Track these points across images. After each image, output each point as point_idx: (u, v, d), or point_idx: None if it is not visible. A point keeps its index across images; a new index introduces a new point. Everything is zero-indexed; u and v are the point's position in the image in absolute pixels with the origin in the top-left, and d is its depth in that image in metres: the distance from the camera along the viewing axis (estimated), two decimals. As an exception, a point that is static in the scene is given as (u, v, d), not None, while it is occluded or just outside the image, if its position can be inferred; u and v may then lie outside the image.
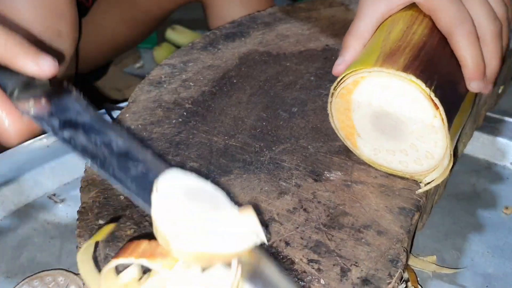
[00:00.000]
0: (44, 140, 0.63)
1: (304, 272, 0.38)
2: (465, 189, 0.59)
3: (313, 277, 0.38)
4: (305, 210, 0.43)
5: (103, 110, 0.67)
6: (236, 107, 0.55)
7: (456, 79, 0.45)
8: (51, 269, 0.49)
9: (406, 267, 0.45)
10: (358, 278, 0.38)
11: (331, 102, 0.45)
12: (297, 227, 0.42)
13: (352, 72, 0.42)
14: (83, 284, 0.39)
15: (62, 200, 0.57)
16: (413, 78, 0.40)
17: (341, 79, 0.43)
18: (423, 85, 0.40)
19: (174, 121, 0.53)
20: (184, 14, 0.98)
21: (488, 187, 0.59)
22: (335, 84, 0.44)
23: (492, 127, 0.65)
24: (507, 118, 0.67)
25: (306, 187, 0.45)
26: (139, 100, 0.56)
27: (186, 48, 0.64)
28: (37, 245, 0.53)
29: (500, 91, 0.65)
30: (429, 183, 0.44)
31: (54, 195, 0.58)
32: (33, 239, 0.53)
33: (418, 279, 0.49)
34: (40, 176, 0.59)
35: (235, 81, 0.58)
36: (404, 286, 0.41)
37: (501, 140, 0.63)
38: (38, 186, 0.59)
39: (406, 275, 0.47)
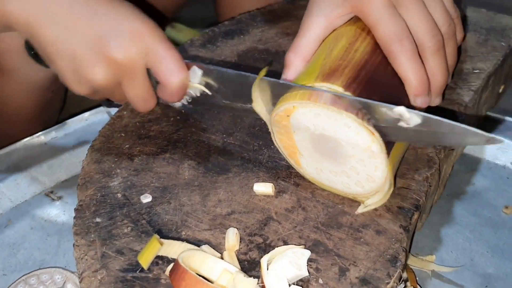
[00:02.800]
0: (42, 137, 0.63)
1: (302, 271, 0.37)
2: (465, 188, 0.59)
3: (311, 276, 0.38)
4: (303, 209, 0.43)
5: (100, 108, 0.67)
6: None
7: (399, 97, 0.43)
8: (48, 267, 0.49)
9: (405, 266, 0.44)
10: (356, 277, 0.37)
11: (271, 125, 0.43)
12: (296, 226, 0.41)
13: (285, 102, 0.40)
14: (80, 282, 0.39)
15: (59, 198, 0.57)
16: (342, 111, 0.38)
17: (279, 104, 0.41)
18: (353, 117, 0.38)
19: (172, 118, 0.53)
20: (184, 12, 0.97)
21: (488, 187, 0.59)
22: (273, 111, 0.42)
23: (492, 126, 0.64)
24: (507, 118, 0.66)
25: (305, 186, 0.45)
26: (137, 97, 0.56)
27: (185, 45, 0.64)
28: (34, 242, 0.52)
29: (500, 90, 0.65)
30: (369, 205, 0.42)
31: (51, 192, 0.58)
32: (30, 236, 0.53)
33: (417, 278, 0.49)
34: (37, 173, 0.59)
35: (234, 78, 0.58)
36: (403, 286, 0.41)
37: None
38: (35, 183, 0.58)
39: (405, 275, 0.47)
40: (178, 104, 0.51)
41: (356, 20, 0.46)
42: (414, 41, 0.44)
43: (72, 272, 0.48)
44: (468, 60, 0.59)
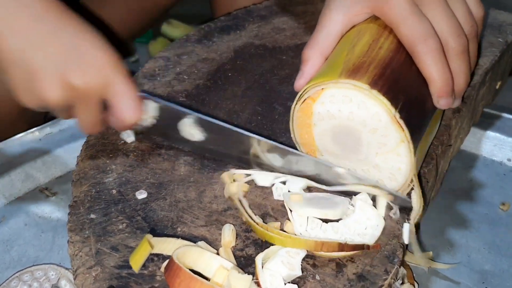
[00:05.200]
0: (36, 133, 0.62)
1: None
2: (462, 185, 0.59)
3: (308, 272, 0.37)
4: (300, 205, 0.43)
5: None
6: (231, 100, 0.54)
7: (423, 98, 0.42)
8: (42, 264, 0.48)
9: (403, 263, 0.44)
10: (354, 274, 0.37)
11: (292, 118, 0.43)
12: (292, 222, 0.41)
13: (314, 84, 0.40)
14: (74, 278, 0.39)
15: (54, 194, 0.57)
16: (379, 95, 0.37)
17: (303, 92, 0.41)
18: (388, 104, 0.37)
19: (168, 114, 0.52)
20: (180, 8, 0.96)
21: (484, 183, 0.59)
22: (296, 99, 0.42)
23: (489, 123, 0.64)
24: (504, 114, 0.66)
25: (302, 182, 0.45)
26: (132, 93, 0.55)
27: (180, 41, 0.63)
28: (28, 239, 0.52)
29: (497, 87, 0.65)
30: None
31: (46, 188, 0.57)
32: (24, 233, 0.53)
33: (414, 275, 0.49)
34: (31, 169, 0.58)
35: (230, 74, 0.58)
36: (400, 282, 0.41)
37: (498, 136, 0.63)
38: (29, 180, 0.58)
39: (402, 271, 0.47)
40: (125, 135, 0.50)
41: (375, 18, 0.44)
42: (440, 41, 0.42)
43: (67, 269, 0.47)
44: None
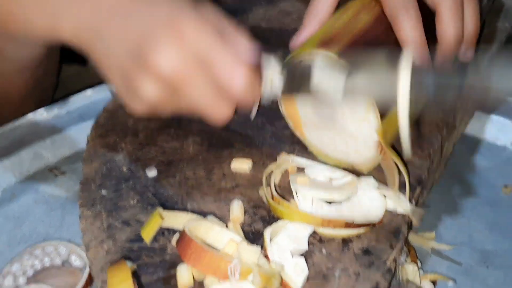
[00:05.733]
0: (45, 114, 0.63)
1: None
2: (465, 168, 0.59)
3: (315, 247, 0.38)
4: (307, 183, 0.43)
5: (103, 85, 0.67)
6: (238, 82, 0.55)
7: None
8: (53, 240, 0.49)
9: (406, 242, 0.45)
10: (359, 249, 0.38)
11: None
12: (299, 200, 0.42)
13: (292, 55, 0.41)
14: (86, 252, 0.39)
15: (63, 173, 0.57)
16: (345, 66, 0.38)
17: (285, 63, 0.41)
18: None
19: (176, 94, 0.53)
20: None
21: (488, 167, 0.60)
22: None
23: (493, 107, 0.65)
24: (509, 98, 0.67)
25: (308, 161, 0.45)
26: (141, 73, 0.56)
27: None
28: (38, 216, 0.53)
29: (501, 71, 0.65)
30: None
31: (55, 168, 0.58)
32: (34, 210, 0.53)
33: (417, 255, 0.50)
34: (40, 148, 0.59)
35: (237, 56, 0.58)
36: (405, 258, 0.41)
37: (502, 120, 0.63)
38: (38, 159, 0.59)
39: (405, 250, 0.48)
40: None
41: None
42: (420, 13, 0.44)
43: (77, 245, 0.48)
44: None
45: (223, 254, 0.34)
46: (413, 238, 0.50)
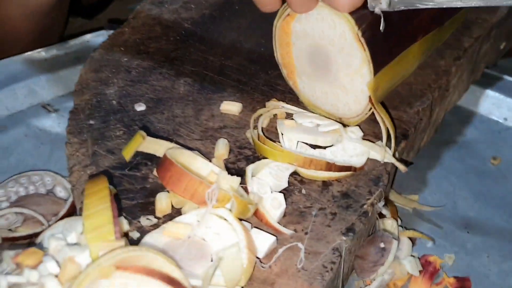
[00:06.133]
0: (43, 53, 0.63)
1: (288, 182, 0.38)
2: (456, 138, 0.59)
3: (295, 187, 0.38)
4: (294, 129, 0.44)
5: (102, 31, 0.67)
6: (235, 31, 0.55)
7: (397, 24, 0.41)
8: (39, 170, 0.50)
9: (388, 189, 0.45)
10: (338, 191, 0.38)
11: (275, 36, 0.44)
12: (285, 144, 0.42)
13: None
14: (70, 175, 0.40)
15: (56, 110, 0.58)
16: (347, 14, 0.38)
17: (283, 9, 0.41)
18: (353, 22, 0.38)
19: (171, 38, 0.53)
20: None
21: (479, 138, 0.60)
22: (277, 16, 0.42)
23: (490, 82, 0.65)
24: (506, 76, 0.66)
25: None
26: (139, 16, 0.56)
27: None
28: (27, 148, 0.53)
29: (502, 47, 0.65)
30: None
31: (48, 104, 0.58)
32: (23, 143, 0.54)
33: (399, 214, 0.50)
34: (35, 85, 0.59)
35: (237, 7, 0.58)
36: (383, 203, 0.41)
37: (497, 96, 0.63)
38: (32, 95, 0.59)
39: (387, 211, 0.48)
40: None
41: None
42: None
43: (63, 177, 0.49)
44: (474, 10, 0.59)
45: (202, 179, 0.34)
46: (396, 198, 0.50)
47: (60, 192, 0.48)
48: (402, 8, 0.37)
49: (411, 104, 0.46)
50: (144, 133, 0.38)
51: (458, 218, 0.51)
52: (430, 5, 0.36)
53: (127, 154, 0.37)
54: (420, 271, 0.44)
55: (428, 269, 0.45)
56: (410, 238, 0.47)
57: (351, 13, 0.37)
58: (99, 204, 0.29)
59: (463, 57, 0.53)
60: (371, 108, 0.40)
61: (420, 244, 0.48)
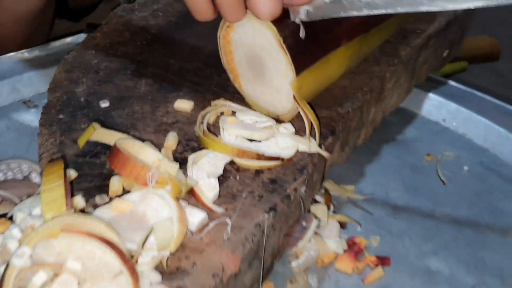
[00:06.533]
0: (26, 54, 0.70)
1: (224, 169, 0.45)
2: (396, 136, 0.66)
3: (231, 174, 0.45)
4: (238, 125, 0.50)
5: (81, 34, 0.73)
6: (196, 37, 0.61)
7: (318, 30, 0.47)
8: (18, 158, 0.56)
9: (318, 179, 0.51)
10: (268, 178, 0.45)
11: (219, 44, 0.50)
12: (228, 138, 0.49)
13: None
14: (39, 161, 0.46)
15: (35, 106, 0.64)
16: (270, 23, 0.44)
17: (224, 21, 0.47)
18: (275, 30, 0.44)
19: (138, 43, 0.59)
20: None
21: (417, 137, 0.66)
22: (219, 27, 0.48)
23: (433, 86, 0.71)
24: (450, 81, 0.73)
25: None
26: (111, 22, 0.62)
27: (163, -16, 0.70)
28: (8, 139, 0.60)
29: (445, 54, 0.71)
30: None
31: (29, 101, 0.65)
32: (5, 134, 0.60)
33: (335, 203, 0.56)
34: (17, 83, 0.66)
35: (200, 16, 0.64)
36: (304, 189, 0.48)
37: (438, 99, 0.70)
38: (15, 92, 0.65)
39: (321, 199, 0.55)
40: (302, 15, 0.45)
41: None
42: None
43: (38, 165, 0.55)
44: (415, 21, 0.66)
45: (144, 164, 0.41)
46: (333, 188, 0.57)
47: (35, 178, 0.54)
48: (319, 18, 0.44)
49: (343, 105, 0.53)
50: (97, 125, 0.45)
51: (388, 206, 0.57)
52: (342, 15, 0.43)
53: (81, 142, 0.44)
54: (345, 251, 0.50)
55: (354, 249, 0.51)
56: (340, 223, 0.53)
57: (276, 23, 0.44)
58: (54, 181, 0.36)
59: (398, 64, 0.59)
60: (297, 107, 0.47)
61: (351, 228, 0.54)
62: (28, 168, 0.55)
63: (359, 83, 0.56)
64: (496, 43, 1.46)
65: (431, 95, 0.70)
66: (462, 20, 0.70)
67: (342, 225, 0.54)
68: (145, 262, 0.36)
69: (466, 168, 0.62)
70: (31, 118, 0.63)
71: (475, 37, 1.50)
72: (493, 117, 0.67)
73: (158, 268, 0.37)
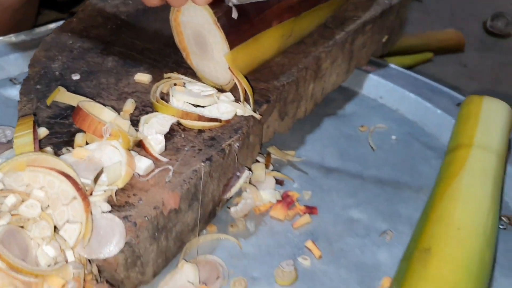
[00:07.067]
0: (13, 38, 0.78)
1: (172, 129, 0.54)
2: (337, 111, 0.75)
3: (178, 132, 0.54)
4: (188, 95, 0.59)
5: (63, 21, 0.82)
6: (160, 23, 0.70)
7: (250, 11, 0.56)
8: (3, 125, 0.65)
9: (257, 142, 0.60)
10: (208, 136, 0.54)
11: (172, 26, 0.58)
12: (178, 105, 0.58)
13: None
14: (18, 121, 0.55)
15: (20, 83, 0.73)
16: (207, 6, 0.53)
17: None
18: (211, 11, 0.53)
19: (109, 27, 0.69)
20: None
21: (355, 112, 0.75)
22: (171, 12, 0.57)
23: (375, 68, 0.80)
24: (390, 64, 0.82)
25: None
26: (86, 9, 0.72)
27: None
28: (-5, 110, 0.69)
29: (384, 39, 0.80)
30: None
31: (14, 78, 0.74)
32: (-8, 106, 0.69)
33: (276, 164, 0.65)
34: (4, 62, 0.75)
35: (165, 4, 0.74)
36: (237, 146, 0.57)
37: (378, 79, 0.79)
38: (2, 71, 0.74)
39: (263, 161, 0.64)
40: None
41: None
42: None
43: (20, 130, 0.64)
44: (353, 10, 0.75)
45: (101, 119, 0.50)
46: (275, 152, 0.66)
47: (17, 141, 0.63)
48: (249, 1, 0.53)
49: (279, 79, 0.62)
50: (62, 88, 0.54)
51: (322, 168, 0.66)
52: None
53: (49, 101, 0.53)
54: (279, 201, 0.60)
55: (287, 200, 0.60)
56: (278, 180, 0.62)
57: (212, 5, 0.53)
58: (25, 130, 0.45)
59: (332, 46, 0.68)
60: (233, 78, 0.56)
61: (288, 185, 0.63)
62: (12, 133, 0.64)
63: (296, 61, 0.65)
64: (461, 36, 1.56)
65: (371, 76, 0.79)
66: (398, 9, 0.79)
67: (280, 183, 0.63)
68: (98, 195, 0.45)
69: (394, 137, 0.71)
70: (16, 93, 0.71)
71: (442, 30, 1.60)
72: (424, 94, 0.76)
73: (110, 202, 0.46)
